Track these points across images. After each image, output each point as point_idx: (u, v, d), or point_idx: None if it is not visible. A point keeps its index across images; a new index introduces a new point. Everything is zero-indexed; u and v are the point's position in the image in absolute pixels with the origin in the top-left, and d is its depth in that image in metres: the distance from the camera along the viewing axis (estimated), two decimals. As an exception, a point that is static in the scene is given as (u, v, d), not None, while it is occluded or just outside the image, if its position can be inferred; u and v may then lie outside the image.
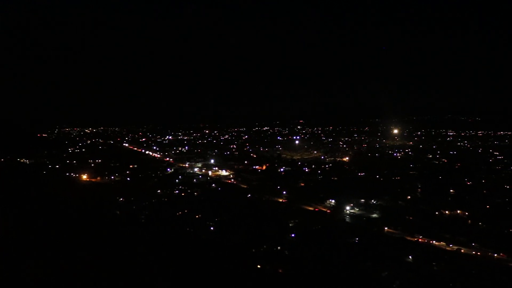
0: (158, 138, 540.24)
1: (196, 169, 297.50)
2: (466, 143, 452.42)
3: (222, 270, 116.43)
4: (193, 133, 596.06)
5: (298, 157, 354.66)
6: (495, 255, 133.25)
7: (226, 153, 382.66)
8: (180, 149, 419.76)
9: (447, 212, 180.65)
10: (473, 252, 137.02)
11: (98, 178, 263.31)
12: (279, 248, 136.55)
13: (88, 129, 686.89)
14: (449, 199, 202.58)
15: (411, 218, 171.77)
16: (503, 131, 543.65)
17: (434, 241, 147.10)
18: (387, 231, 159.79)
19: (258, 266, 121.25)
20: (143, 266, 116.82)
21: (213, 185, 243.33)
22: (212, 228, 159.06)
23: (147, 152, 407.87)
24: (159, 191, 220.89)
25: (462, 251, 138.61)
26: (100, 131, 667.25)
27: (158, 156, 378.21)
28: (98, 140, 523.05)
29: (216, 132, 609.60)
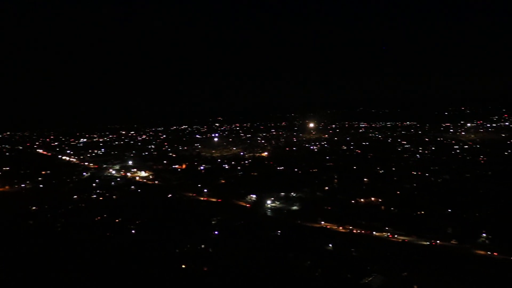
0: (72, 141, 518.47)
1: (113, 172, 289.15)
2: (377, 134, 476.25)
3: (146, 272, 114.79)
4: (109, 135, 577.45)
5: (218, 154, 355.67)
6: (406, 238, 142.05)
7: (144, 153, 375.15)
8: (96, 151, 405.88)
9: (362, 200, 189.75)
10: (387, 236, 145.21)
11: (7, 187, 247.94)
12: (203, 246, 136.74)
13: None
14: (364, 187, 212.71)
15: (329, 208, 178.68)
16: (409, 122, 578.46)
17: (351, 228, 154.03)
18: (307, 222, 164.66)
19: (183, 266, 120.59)
20: (62, 278, 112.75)
21: (132, 187, 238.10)
22: (133, 231, 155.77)
23: (60, 156, 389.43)
24: (75, 196, 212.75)
25: (377, 235, 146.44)
26: (6, 136, 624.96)
27: (73, 160, 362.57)
28: (5, 146, 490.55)
29: (133, 133, 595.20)
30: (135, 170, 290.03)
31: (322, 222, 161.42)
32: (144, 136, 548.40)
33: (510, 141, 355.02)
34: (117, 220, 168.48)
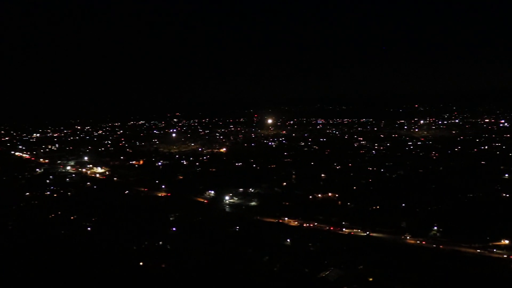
0: (25, 136, 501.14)
1: (68, 168, 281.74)
2: (334, 130, 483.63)
3: (103, 271, 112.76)
4: (63, 130, 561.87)
5: (176, 150, 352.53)
6: (363, 232, 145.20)
7: (101, 149, 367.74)
8: (50, 147, 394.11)
9: (319, 195, 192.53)
10: (344, 230, 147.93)
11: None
12: (161, 243, 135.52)
13: None
14: (321, 183, 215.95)
15: (287, 203, 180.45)
16: (365, 118, 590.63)
17: (309, 223, 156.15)
18: (266, 217, 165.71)
19: (141, 264, 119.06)
20: (13, 278, 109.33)
21: (88, 183, 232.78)
22: (89, 228, 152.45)
23: (12, 152, 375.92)
24: (27, 193, 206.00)
25: (334, 229, 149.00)
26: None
27: (25, 155, 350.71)
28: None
29: (89, 128, 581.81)
30: (91, 166, 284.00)
31: (281, 218, 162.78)
32: (100, 132, 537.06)
33: (460, 137, 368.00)
34: (72, 218, 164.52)
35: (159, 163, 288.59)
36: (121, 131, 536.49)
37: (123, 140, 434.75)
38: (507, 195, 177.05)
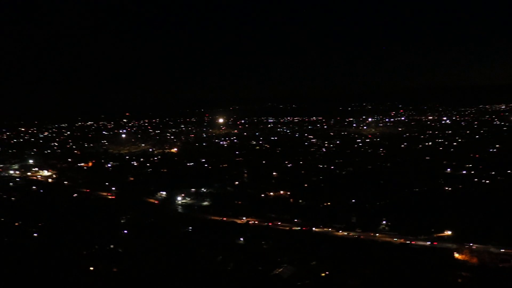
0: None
1: (11, 172, 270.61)
2: (285, 129, 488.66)
3: (51, 277, 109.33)
4: (6, 132, 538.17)
5: (126, 151, 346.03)
6: (315, 228, 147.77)
7: (47, 151, 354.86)
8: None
9: (271, 193, 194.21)
10: (296, 227, 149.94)
11: None
12: (112, 246, 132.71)
13: None
14: (273, 181, 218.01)
15: (240, 202, 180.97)
16: (315, 117, 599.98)
17: (262, 221, 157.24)
18: (218, 217, 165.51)
19: (91, 268, 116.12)
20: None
21: (34, 187, 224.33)
22: (35, 234, 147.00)
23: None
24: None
25: (286, 227, 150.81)
26: None
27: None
28: None
29: (34, 129, 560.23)
30: (36, 169, 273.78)
31: (233, 217, 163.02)
32: (46, 133, 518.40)
33: (406, 134, 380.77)
34: (17, 224, 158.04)
35: (109, 165, 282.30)
36: (68, 133, 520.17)
37: (70, 142, 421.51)
38: (450, 189, 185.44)
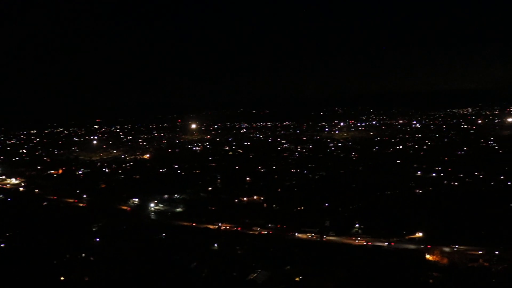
0: None
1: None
2: (257, 134, 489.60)
3: None
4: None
5: (97, 158, 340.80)
6: (290, 232, 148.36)
7: (15, 158, 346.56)
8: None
9: (245, 198, 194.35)
10: (271, 232, 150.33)
11: None
12: (83, 255, 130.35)
13: None
14: (246, 186, 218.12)
15: (213, 208, 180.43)
16: (288, 122, 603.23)
17: (236, 227, 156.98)
18: (192, 223, 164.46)
19: (62, 278, 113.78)
20: None
21: (1, 195, 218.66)
22: (3, 245, 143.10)
23: None
24: None
25: (261, 232, 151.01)
26: None
27: None
28: None
29: (1, 136, 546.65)
30: (3, 177, 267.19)
31: (207, 223, 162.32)
32: (14, 140, 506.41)
33: (377, 138, 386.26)
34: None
35: (80, 172, 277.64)
36: (38, 139, 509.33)
37: (40, 149, 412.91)
38: (420, 191, 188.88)
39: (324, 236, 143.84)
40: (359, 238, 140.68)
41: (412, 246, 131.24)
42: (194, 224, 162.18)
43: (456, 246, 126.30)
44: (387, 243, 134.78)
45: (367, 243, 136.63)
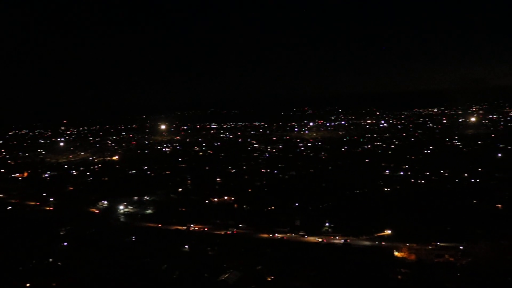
0: None
1: None
2: (227, 134, 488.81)
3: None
4: None
5: (64, 160, 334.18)
6: (261, 233, 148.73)
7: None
8: None
9: (216, 199, 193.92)
10: (241, 233, 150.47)
11: None
12: (51, 260, 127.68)
13: None
14: (217, 187, 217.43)
15: (183, 209, 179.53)
16: (258, 122, 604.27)
17: (206, 228, 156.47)
18: (162, 224, 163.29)
19: (28, 285, 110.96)
20: None
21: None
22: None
23: None
24: None
25: (231, 232, 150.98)
26: None
27: None
28: None
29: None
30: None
31: (177, 224, 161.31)
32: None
33: (346, 138, 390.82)
34: None
35: (46, 175, 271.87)
36: (1, 142, 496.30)
37: (3, 151, 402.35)
38: (388, 189, 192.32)
39: (294, 235, 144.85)
40: (329, 237, 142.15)
41: (381, 244, 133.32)
42: (164, 226, 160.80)
43: (423, 243, 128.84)
44: (357, 241, 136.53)
45: (337, 241, 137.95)
